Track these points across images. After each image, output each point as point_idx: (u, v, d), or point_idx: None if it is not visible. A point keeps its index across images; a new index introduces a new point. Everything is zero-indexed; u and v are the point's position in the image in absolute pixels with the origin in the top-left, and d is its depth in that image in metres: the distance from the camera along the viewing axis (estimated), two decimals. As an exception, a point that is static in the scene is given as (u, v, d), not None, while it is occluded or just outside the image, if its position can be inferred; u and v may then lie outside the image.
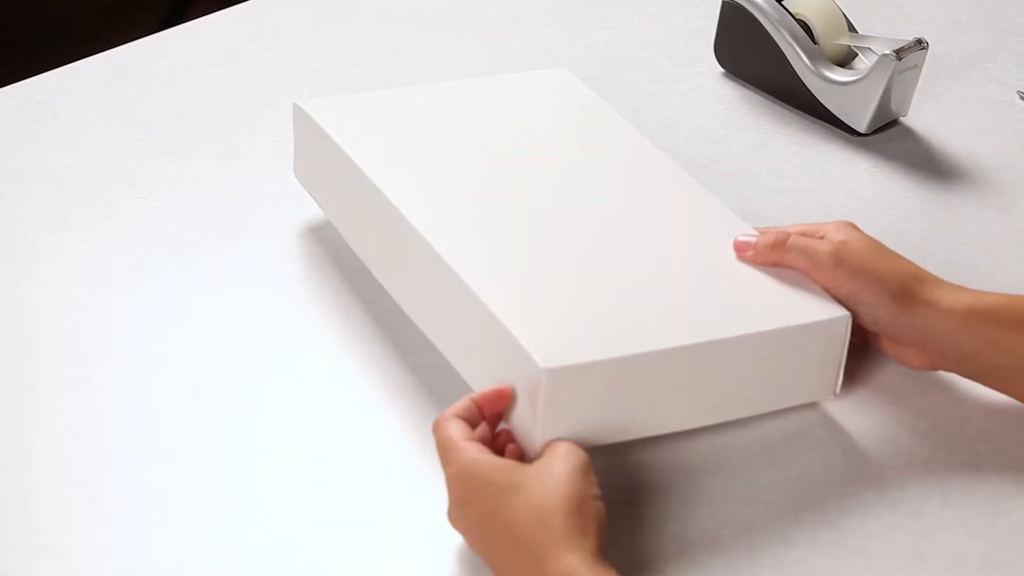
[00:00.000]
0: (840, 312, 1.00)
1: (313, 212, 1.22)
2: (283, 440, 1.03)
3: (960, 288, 1.01)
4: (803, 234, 1.03)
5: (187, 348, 1.10)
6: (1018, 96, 1.41)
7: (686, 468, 1.00)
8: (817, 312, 1.00)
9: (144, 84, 1.42)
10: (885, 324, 1.00)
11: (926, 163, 1.32)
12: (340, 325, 1.12)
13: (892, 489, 0.99)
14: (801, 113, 1.38)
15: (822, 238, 1.03)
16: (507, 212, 1.07)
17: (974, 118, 1.38)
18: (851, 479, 1.00)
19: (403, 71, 1.44)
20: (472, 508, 0.89)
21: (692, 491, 0.99)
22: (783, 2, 1.37)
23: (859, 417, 1.04)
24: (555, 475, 0.88)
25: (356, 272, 1.16)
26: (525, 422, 0.93)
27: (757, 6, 1.37)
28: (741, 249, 1.03)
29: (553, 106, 1.22)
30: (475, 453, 0.90)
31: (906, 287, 1.00)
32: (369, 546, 0.95)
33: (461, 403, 0.94)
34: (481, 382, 0.98)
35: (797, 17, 1.36)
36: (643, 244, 1.05)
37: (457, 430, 0.91)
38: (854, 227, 1.04)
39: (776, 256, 1.02)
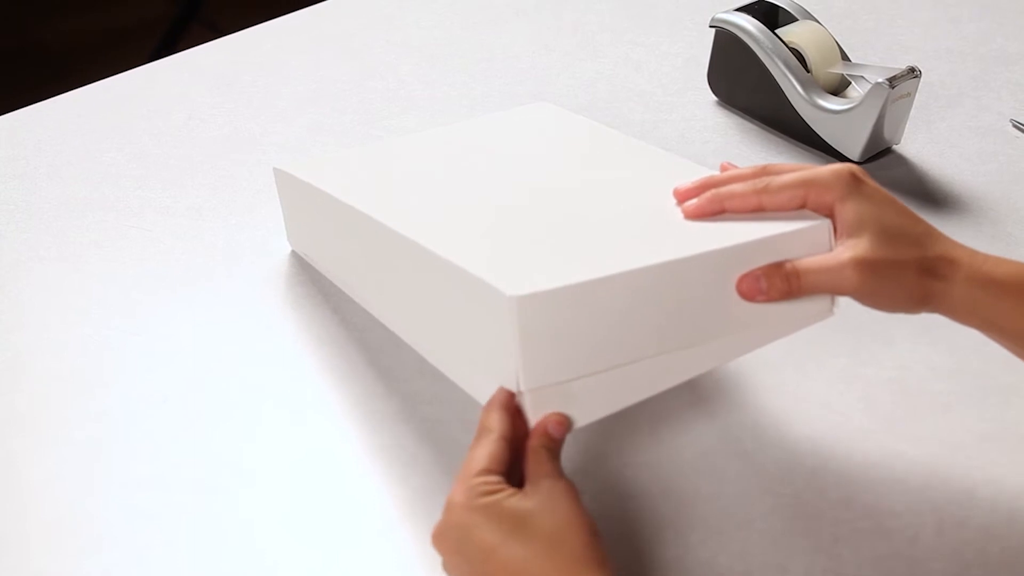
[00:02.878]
0: (818, 220, 0.95)
1: (307, 241, 1.22)
2: (272, 466, 1.03)
3: (969, 268, 0.94)
4: (797, 183, 0.95)
5: (179, 375, 1.10)
6: (1011, 124, 1.41)
7: (680, 495, 1.00)
8: (792, 223, 0.95)
9: (137, 114, 1.42)
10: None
11: (919, 191, 1.32)
12: (330, 352, 1.12)
13: (886, 517, 0.99)
14: (795, 141, 1.38)
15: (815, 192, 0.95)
16: (476, 199, 1.05)
17: (967, 146, 1.38)
18: (845, 506, 0.99)
19: (396, 100, 1.44)
20: (471, 544, 0.87)
21: (687, 518, 0.99)
22: (776, 31, 1.37)
23: (853, 445, 1.04)
24: (562, 508, 0.87)
25: (347, 301, 1.16)
26: (508, 364, 0.91)
27: (750, 35, 1.37)
28: (751, 293, 0.94)
29: (536, 129, 1.21)
30: (484, 499, 0.87)
31: (924, 291, 0.94)
32: (357, 571, 0.95)
33: (500, 416, 0.92)
34: (470, 371, 0.97)
35: (790, 46, 1.36)
36: (616, 201, 1.03)
37: (484, 459, 0.89)
38: (857, 190, 0.95)
39: (792, 290, 0.94)
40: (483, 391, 0.96)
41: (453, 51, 1.53)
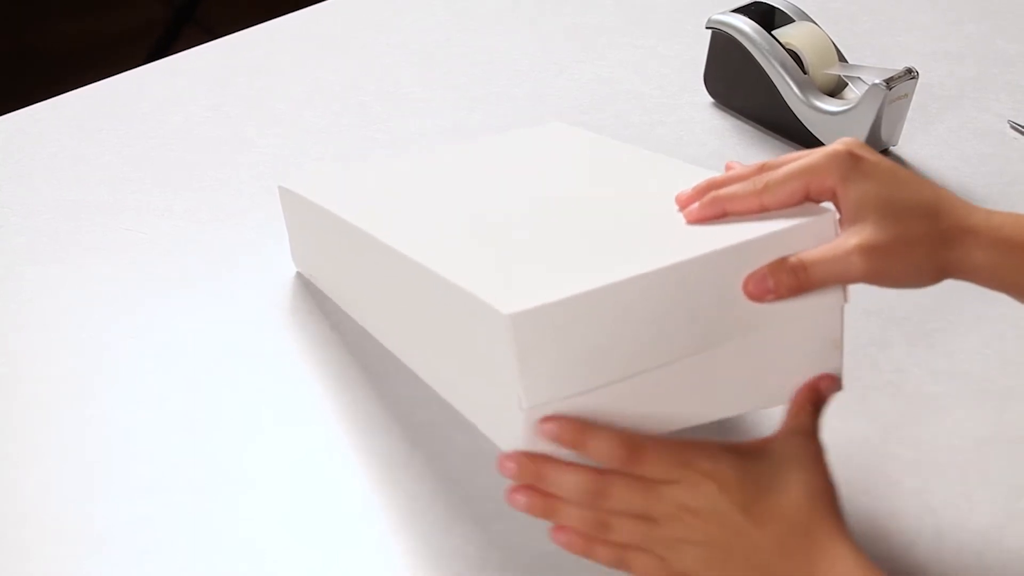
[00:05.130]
0: (823, 212, 0.92)
1: (302, 243, 1.22)
2: (270, 469, 1.03)
3: (987, 234, 0.91)
4: (795, 174, 0.93)
5: (175, 380, 1.10)
6: (1009, 126, 1.41)
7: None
8: (797, 218, 0.92)
9: (133, 116, 1.42)
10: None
11: (917, 193, 1.32)
12: (326, 355, 1.12)
13: (884, 520, 0.98)
14: (792, 143, 1.38)
15: (816, 180, 0.93)
16: (476, 216, 1.04)
17: (965, 148, 1.38)
18: (842, 510, 0.99)
19: (394, 102, 1.44)
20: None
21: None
22: (773, 32, 1.37)
23: (850, 448, 1.04)
24: (807, 465, 0.89)
25: (343, 304, 1.16)
26: (508, 382, 0.88)
27: (747, 36, 1.37)
28: (759, 292, 0.91)
29: (544, 147, 1.19)
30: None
31: (939, 264, 0.91)
32: (355, 574, 0.95)
33: None
34: (470, 394, 0.97)
35: (787, 47, 1.36)
36: (619, 211, 1.01)
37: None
38: (856, 168, 0.92)
39: (800, 284, 0.91)
40: (483, 418, 0.96)
41: (451, 53, 1.53)
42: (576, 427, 0.89)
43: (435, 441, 1.04)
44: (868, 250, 0.89)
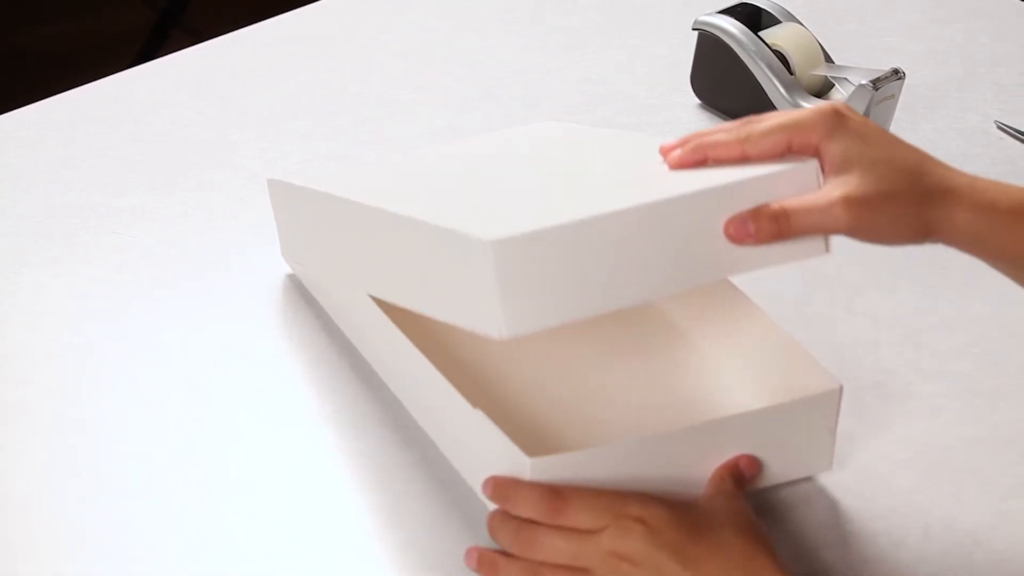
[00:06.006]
0: (805, 160, 0.93)
1: (291, 246, 1.22)
2: (258, 472, 1.03)
3: (971, 197, 0.92)
4: (779, 127, 0.94)
5: (164, 383, 1.10)
6: (995, 125, 1.41)
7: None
8: (778, 164, 0.93)
9: (120, 118, 1.41)
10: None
11: (904, 193, 1.32)
12: (314, 359, 1.12)
13: (873, 520, 0.99)
14: (779, 144, 1.38)
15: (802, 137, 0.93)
16: (465, 180, 1.07)
17: (952, 148, 1.38)
18: (831, 511, 0.99)
19: (383, 104, 1.44)
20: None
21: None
22: (759, 33, 1.37)
23: (839, 448, 1.04)
24: (736, 517, 0.92)
25: (330, 304, 1.16)
26: (490, 313, 0.89)
27: (734, 37, 1.37)
28: (739, 235, 0.91)
29: (538, 136, 1.21)
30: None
31: (923, 222, 0.91)
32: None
33: None
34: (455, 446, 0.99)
35: (774, 48, 1.36)
36: (605, 167, 1.04)
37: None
38: (842, 126, 0.93)
39: (781, 231, 0.91)
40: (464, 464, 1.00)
41: (441, 55, 1.53)
42: (505, 484, 0.93)
43: (427, 442, 1.04)
44: (852, 202, 0.89)
